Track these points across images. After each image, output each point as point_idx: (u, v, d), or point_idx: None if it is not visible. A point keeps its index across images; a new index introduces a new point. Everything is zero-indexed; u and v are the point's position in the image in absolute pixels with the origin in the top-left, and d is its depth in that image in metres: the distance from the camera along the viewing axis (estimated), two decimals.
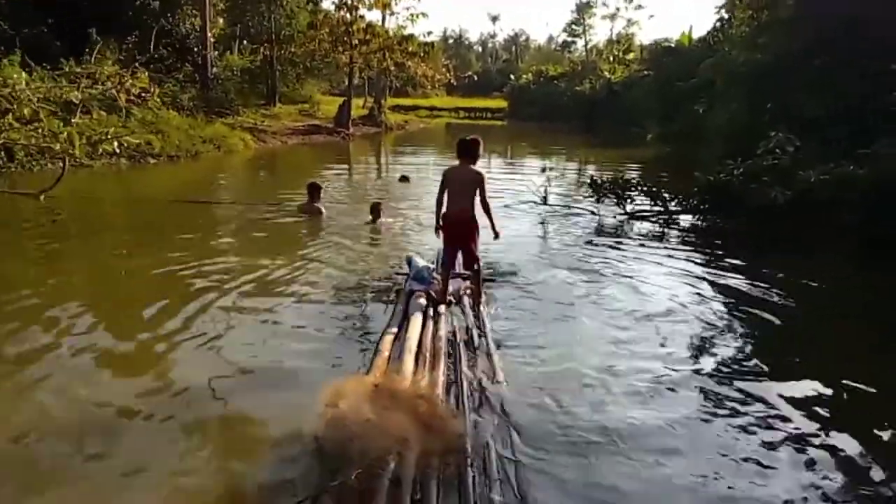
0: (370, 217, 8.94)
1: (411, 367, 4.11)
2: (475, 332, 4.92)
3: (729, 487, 3.22)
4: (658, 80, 25.41)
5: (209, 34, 23.89)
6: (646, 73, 30.80)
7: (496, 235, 5.72)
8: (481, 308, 5.49)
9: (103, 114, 14.84)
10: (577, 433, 3.62)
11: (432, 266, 6.42)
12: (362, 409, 3.32)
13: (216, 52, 27.28)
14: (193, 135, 17.92)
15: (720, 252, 8.20)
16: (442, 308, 5.32)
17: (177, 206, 10.30)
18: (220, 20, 27.43)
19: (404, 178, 14.08)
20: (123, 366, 4.45)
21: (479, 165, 5.69)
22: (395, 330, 4.78)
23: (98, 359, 4.47)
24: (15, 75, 9.32)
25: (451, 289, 5.67)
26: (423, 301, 5.36)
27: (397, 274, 6.57)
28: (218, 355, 4.55)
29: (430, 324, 4.95)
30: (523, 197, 11.21)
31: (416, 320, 4.90)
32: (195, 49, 23.63)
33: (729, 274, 7.16)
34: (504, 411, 3.78)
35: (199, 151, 17.39)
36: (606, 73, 41.29)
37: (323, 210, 9.40)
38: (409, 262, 6.36)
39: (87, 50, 17.42)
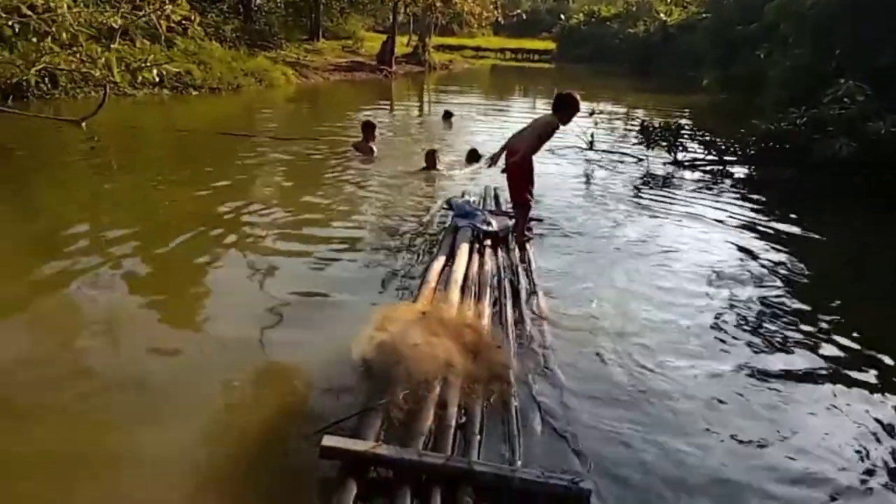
0: (424, 164, 8.44)
1: (458, 297, 4.20)
2: (521, 269, 4.95)
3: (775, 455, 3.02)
4: (717, 23, 24.05)
5: None
6: (704, 15, 29.21)
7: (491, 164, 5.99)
8: (527, 246, 5.54)
9: (147, 42, 14.73)
10: (617, 378, 3.61)
11: (473, 199, 6.60)
12: (410, 334, 3.35)
13: None
14: (235, 67, 17.71)
15: (775, 205, 7.80)
16: (488, 242, 5.42)
17: (219, 139, 10.22)
18: None
19: (448, 115, 13.74)
20: (166, 297, 4.51)
21: (550, 117, 5.70)
22: (442, 261, 4.84)
23: (139, 288, 4.51)
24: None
25: (497, 226, 5.71)
26: (469, 234, 5.43)
27: (444, 211, 6.46)
28: (262, 286, 4.60)
29: (477, 257, 5.06)
30: (569, 141, 10.79)
31: (463, 253, 4.99)
32: None
33: (783, 228, 6.81)
34: (545, 346, 3.81)
35: (241, 84, 17.21)
36: (662, 15, 39.30)
37: (375, 150, 9.23)
38: (450, 203, 6.33)
39: None
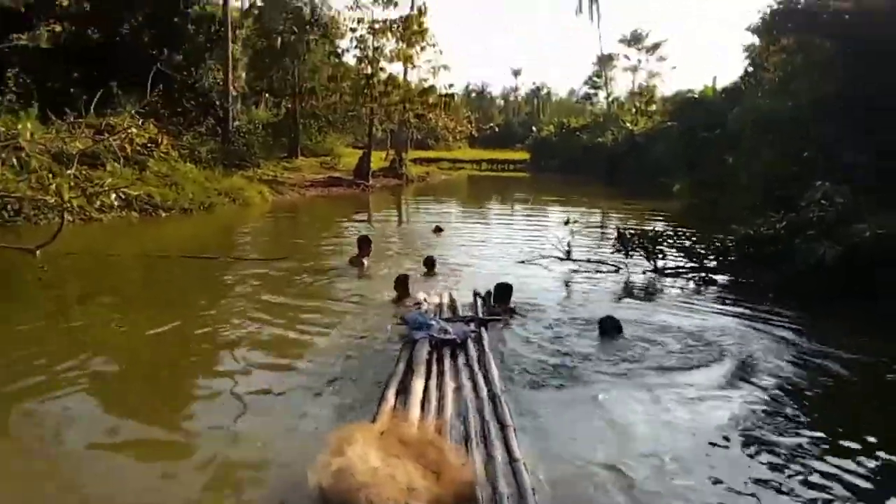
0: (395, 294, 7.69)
1: (418, 413, 4.09)
2: (481, 378, 4.79)
3: None
4: (682, 131, 24.91)
5: (231, 88, 24.06)
6: (669, 123, 30.37)
7: None
8: (486, 350, 5.42)
9: (117, 166, 14.67)
10: (592, 480, 3.57)
11: (426, 309, 6.55)
12: (369, 457, 3.20)
13: (242, 107, 27.49)
14: (209, 187, 17.63)
15: (765, 308, 7.51)
16: (447, 353, 5.31)
17: (188, 262, 9.81)
18: (244, 74, 27.71)
19: (438, 230, 13.69)
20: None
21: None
22: (399, 376, 4.74)
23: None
24: (19, 126, 9.06)
25: (454, 332, 5.63)
26: (426, 346, 5.33)
27: (399, 325, 6.25)
28: (224, 405, 4.58)
29: (436, 368, 4.98)
30: (545, 251, 10.54)
31: (421, 366, 4.90)
32: (217, 103, 23.76)
33: (780, 330, 6.57)
34: (512, 457, 3.57)
35: (214, 203, 17.03)
36: (629, 125, 40.97)
37: (366, 263, 9.32)
38: (404, 318, 6.17)
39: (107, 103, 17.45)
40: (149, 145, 10.01)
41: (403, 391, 4.48)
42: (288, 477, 3.44)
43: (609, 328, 6.24)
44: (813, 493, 3.58)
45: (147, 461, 3.89)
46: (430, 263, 9.14)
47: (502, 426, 3.97)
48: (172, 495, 3.50)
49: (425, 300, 7.07)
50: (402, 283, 7.51)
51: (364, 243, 9.62)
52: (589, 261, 10.40)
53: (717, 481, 3.69)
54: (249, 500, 3.45)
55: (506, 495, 3.18)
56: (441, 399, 4.39)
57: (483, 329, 6.08)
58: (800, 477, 3.74)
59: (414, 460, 3.30)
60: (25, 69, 17.02)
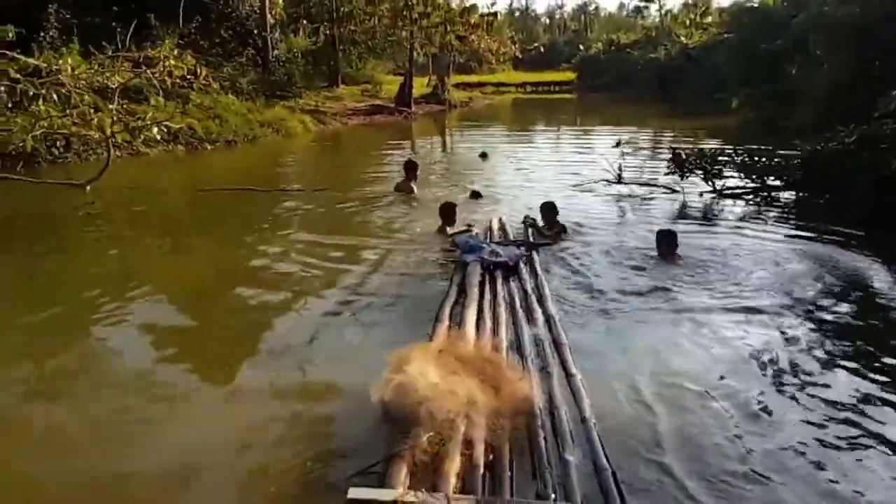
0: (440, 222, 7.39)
1: (473, 332, 4.14)
2: (534, 296, 4.86)
3: None
4: (741, 43, 23.41)
5: (269, 16, 23.57)
6: (726, 35, 28.58)
7: None
8: (539, 272, 5.45)
9: (160, 100, 14.66)
10: (642, 396, 3.57)
11: (476, 232, 6.52)
12: (429, 373, 3.26)
13: (280, 35, 27.02)
14: (251, 119, 17.55)
15: (833, 230, 7.03)
16: (499, 276, 5.31)
17: (227, 194, 9.80)
18: (280, 1, 27.04)
19: (484, 155, 13.58)
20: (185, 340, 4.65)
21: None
22: (453, 298, 4.79)
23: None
24: (60, 62, 9.01)
25: (506, 256, 5.64)
26: (478, 268, 5.35)
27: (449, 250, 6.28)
28: (277, 330, 4.69)
29: (489, 290, 5.00)
30: (596, 175, 10.14)
31: (474, 287, 4.92)
32: (255, 31, 23.35)
33: (848, 254, 6.19)
34: (568, 373, 3.67)
35: (257, 136, 17.01)
36: (683, 38, 38.80)
37: (415, 189, 9.21)
38: (455, 241, 6.18)
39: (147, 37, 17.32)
40: (188, 77, 9.85)
41: (458, 312, 4.53)
42: (351, 396, 3.52)
43: (664, 240, 6.07)
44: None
45: (211, 384, 4.01)
46: (476, 195, 9.09)
47: (557, 344, 4.04)
48: (239, 415, 3.57)
49: (472, 225, 6.97)
50: (446, 212, 7.25)
51: (410, 168, 9.52)
52: (642, 184, 9.99)
53: (761, 406, 3.53)
54: (313, 419, 3.52)
55: (562, 406, 3.30)
56: (495, 319, 4.42)
57: (535, 252, 6.03)
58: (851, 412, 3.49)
59: (472, 376, 3.37)
60: (65, 5, 16.89)
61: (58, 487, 2.98)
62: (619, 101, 32.35)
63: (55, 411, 3.71)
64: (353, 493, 2.49)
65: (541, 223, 7.10)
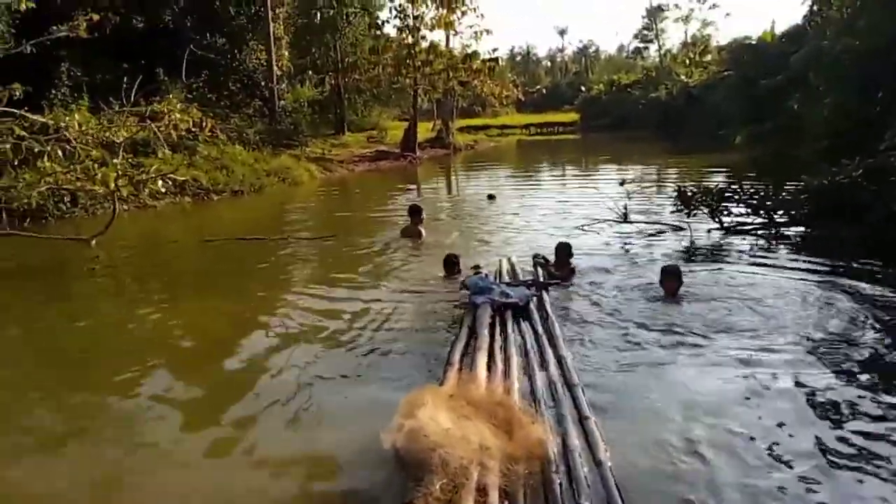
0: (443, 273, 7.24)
1: (484, 375, 4.09)
2: (545, 340, 4.78)
3: None
4: (741, 80, 23.64)
5: (276, 67, 24.08)
6: (726, 73, 28.92)
7: None
8: (550, 313, 5.39)
9: (168, 152, 14.86)
10: (661, 439, 3.51)
11: (486, 273, 6.43)
12: (440, 419, 3.23)
13: (287, 86, 27.57)
14: (258, 168, 17.77)
15: (843, 264, 6.92)
16: (509, 317, 5.26)
17: (234, 244, 9.81)
18: (286, 53, 27.66)
19: (491, 197, 13.44)
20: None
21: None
22: (464, 340, 4.75)
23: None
24: (68, 119, 9.16)
25: (516, 297, 5.58)
26: (488, 310, 5.27)
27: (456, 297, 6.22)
28: (289, 380, 4.61)
29: (499, 331, 4.96)
30: (601, 215, 10.09)
31: (484, 330, 4.87)
32: (262, 83, 23.82)
33: (860, 287, 6.03)
34: (582, 415, 3.59)
35: (264, 185, 17.18)
36: (683, 77, 39.32)
37: (423, 232, 9.21)
38: (465, 283, 6.10)
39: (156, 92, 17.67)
40: (193, 129, 9.99)
41: (468, 355, 4.49)
42: (364, 444, 3.47)
43: (666, 276, 6.08)
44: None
45: (220, 440, 3.91)
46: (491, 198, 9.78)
47: (569, 385, 3.98)
48: (250, 468, 3.55)
49: (481, 267, 6.97)
50: (449, 264, 7.15)
51: (415, 212, 9.51)
52: (649, 223, 9.92)
53: (773, 444, 3.42)
54: (324, 469, 3.53)
55: (577, 450, 3.22)
56: (506, 361, 4.38)
57: (544, 292, 5.99)
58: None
59: (484, 420, 3.33)
60: (74, 63, 17.31)
61: None
62: (622, 140, 32.56)
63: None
64: None
65: (553, 262, 7.09)
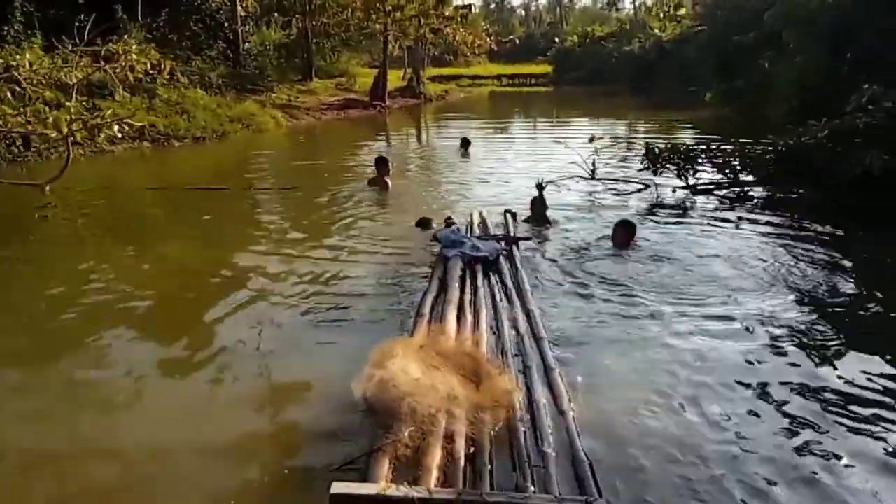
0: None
1: (454, 326, 4.17)
2: (514, 291, 4.89)
3: None
4: (714, 36, 23.50)
5: (240, 7, 23.12)
6: (699, 28, 28.73)
7: None
8: (519, 267, 5.47)
9: (126, 95, 14.28)
10: (625, 388, 3.66)
11: (458, 227, 6.47)
12: (409, 369, 3.33)
13: (252, 28, 26.54)
14: (221, 114, 17.17)
15: (805, 227, 7.04)
16: (479, 268, 5.34)
17: (193, 192, 9.53)
18: None
19: (465, 143, 13.33)
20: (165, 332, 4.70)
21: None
22: (434, 293, 4.79)
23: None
24: (17, 57, 8.66)
25: (486, 250, 5.64)
26: (459, 263, 5.36)
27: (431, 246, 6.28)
28: (258, 324, 4.66)
29: (469, 284, 5.02)
30: (569, 171, 10.04)
31: (455, 282, 4.93)
32: (226, 24, 22.87)
33: (819, 249, 6.21)
34: (547, 367, 3.70)
35: (227, 131, 16.62)
36: (657, 31, 38.94)
37: (389, 183, 9.16)
38: (436, 236, 6.17)
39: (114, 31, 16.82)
40: (151, 72, 9.56)
41: (438, 306, 4.56)
42: (333, 392, 3.54)
43: (620, 228, 6.36)
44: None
45: (189, 383, 3.97)
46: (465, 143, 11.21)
47: (536, 338, 4.09)
48: (220, 415, 3.59)
49: (453, 220, 6.97)
50: (424, 223, 7.10)
51: (381, 163, 9.46)
52: (616, 179, 9.91)
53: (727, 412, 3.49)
54: (295, 416, 3.56)
55: (542, 401, 3.33)
56: (476, 314, 4.46)
57: (514, 247, 6.04)
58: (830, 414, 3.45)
59: (453, 371, 3.44)
60: None
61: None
62: (595, 94, 32.36)
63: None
64: (336, 487, 2.53)
65: (529, 215, 7.38)
